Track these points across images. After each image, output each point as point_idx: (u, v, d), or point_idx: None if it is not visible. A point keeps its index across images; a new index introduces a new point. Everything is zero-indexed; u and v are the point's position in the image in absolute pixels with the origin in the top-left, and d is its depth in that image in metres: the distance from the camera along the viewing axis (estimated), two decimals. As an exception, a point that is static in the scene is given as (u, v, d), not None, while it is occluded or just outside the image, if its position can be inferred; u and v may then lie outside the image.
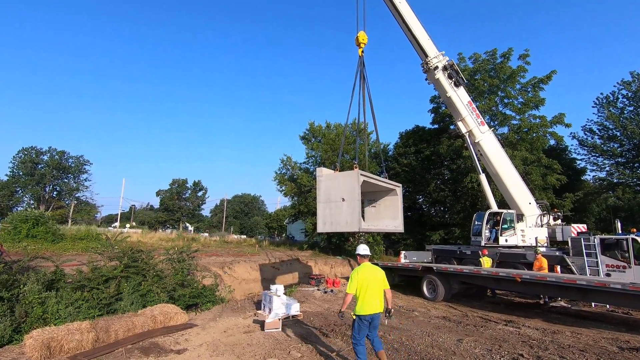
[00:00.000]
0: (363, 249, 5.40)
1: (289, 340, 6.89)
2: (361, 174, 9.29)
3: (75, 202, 48.54)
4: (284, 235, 56.49)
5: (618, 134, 26.79)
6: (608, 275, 11.54)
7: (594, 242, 12.12)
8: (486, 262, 13.85)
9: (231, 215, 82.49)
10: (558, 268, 11.69)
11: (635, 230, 12.34)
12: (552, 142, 25.98)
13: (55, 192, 48.63)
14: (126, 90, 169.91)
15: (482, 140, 16.38)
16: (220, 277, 15.20)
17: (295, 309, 8.76)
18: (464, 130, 16.77)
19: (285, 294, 9.46)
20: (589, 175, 30.00)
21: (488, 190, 16.77)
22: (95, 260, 9.55)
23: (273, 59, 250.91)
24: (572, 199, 23.45)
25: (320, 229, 9.88)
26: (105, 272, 9.05)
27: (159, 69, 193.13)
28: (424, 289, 11.76)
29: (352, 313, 5.10)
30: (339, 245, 27.74)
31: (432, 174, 29.16)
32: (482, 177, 16.91)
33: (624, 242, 11.46)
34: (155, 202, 68.48)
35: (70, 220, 40.34)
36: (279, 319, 7.88)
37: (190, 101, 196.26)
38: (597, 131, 28.46)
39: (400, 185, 12.89)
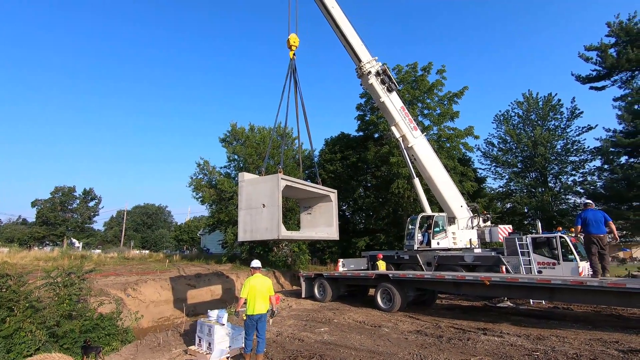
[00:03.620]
0: (255, 263, 6.61)
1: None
2: (282, 178, 8.76)
3: None
4: (194, 248, 51.46)
5: (514, 147, 30.43)
6: (540, 272, 12.04)
7: (526, 241, 12.66)
8: (381, 266, 14.71)
9: (131, 229, 72.85)
10: (504, 268, 11.81)
11: (560, 228, 13.27)
12: (463, 151, 28.18)
13: None
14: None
15: (415, 144, 16.52)
16: (122, 302, 12.64)
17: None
18: (397, 135, 16.79)
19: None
20: (486, 183, 33.51)
21: (422, 194, 16.85)
22: None
23: (188, 50, 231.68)
24: (483, 204, 25.50)
25: (241, 237, 9.26)
26: (-58, 310, 6.01)
27: (38, 51, 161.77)
28: (379, 299, 10.65)
29: (243, 314, 6.14)
30: (262, 256, 25.71)
31: (358, 180, 29.16)
32: (416, 182, 16.95)
33: (553, 240, 12.13)
34: (30, 215, 56.53)
35: None
36: (227, 357, 5.82)
37: (79, 94, 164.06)
38: (496, 144, 32.02)
39: (335, 191, 12.11)
